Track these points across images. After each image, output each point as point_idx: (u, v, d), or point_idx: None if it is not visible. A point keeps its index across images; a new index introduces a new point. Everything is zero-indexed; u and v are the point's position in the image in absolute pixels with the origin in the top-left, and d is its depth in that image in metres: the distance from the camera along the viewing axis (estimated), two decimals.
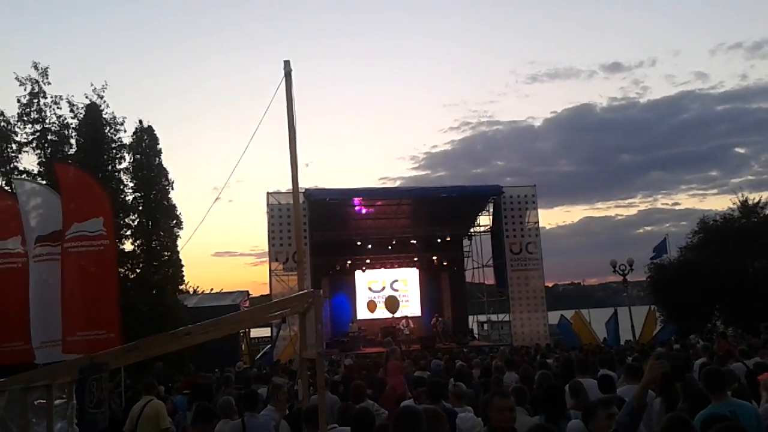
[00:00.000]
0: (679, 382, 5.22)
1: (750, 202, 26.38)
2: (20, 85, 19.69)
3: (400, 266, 31.48)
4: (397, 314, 29.50)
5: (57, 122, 20.36)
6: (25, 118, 19.91)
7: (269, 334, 25.42)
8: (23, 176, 18.54)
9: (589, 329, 23.85)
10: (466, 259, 32.05)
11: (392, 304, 29.21)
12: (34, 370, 7.89)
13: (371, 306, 29.73)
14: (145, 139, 23.13)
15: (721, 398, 4.77)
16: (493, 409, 4.35)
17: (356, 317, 29.67)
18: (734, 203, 26.75)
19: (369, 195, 28.43)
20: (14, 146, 19.89)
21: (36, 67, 19.86)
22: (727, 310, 24.35)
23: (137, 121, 23.28)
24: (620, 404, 4.03)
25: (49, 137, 20.10)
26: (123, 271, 19.88)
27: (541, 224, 28.00)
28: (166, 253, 23.06)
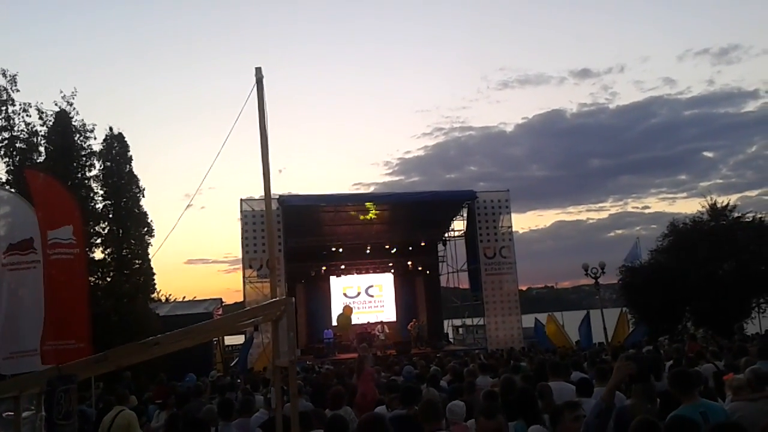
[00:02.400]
0: (644, 384, 5.23)
1: (719, 206, 26.82)
2: None
3: (375, 272, 31.49)
4: (373, 320, 29.51)
5: (26, 130, 19.89)
6: None
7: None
8: None
9: (562, 332, 24.05)
10: (440, 263, 32.23)
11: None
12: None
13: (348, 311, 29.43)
14: (116, 147, 22.86)
15: (691, 399, 4.83)
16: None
17: (331, 323, 29.57)
18: (703, 206, 27.24)
19: (343, 201, 28.41)
20: None
21: (4, 74, 19.41)
22: (697, 311, 24.71)
23: (107, 129, 23.04)
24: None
25: (17, 145, 19.64)
26: (93, 279, 19.56)
27: (514, 228, 28.30)
28: (137, 261, 22.76)
